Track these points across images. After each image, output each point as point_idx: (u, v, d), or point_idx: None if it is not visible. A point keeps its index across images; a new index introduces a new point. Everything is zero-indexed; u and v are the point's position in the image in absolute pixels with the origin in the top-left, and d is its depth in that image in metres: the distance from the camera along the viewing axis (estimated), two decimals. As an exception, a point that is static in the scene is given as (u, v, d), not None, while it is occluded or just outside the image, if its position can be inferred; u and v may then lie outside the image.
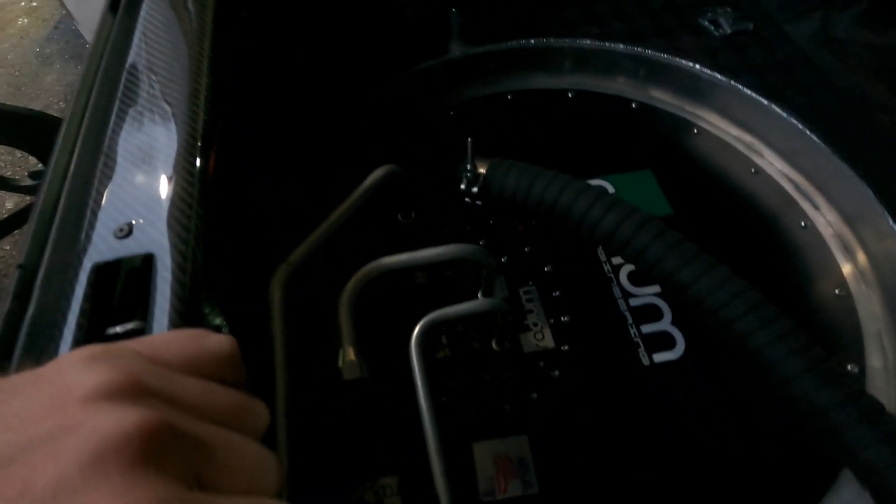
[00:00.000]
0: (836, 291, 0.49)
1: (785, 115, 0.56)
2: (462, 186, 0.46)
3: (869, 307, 0.48)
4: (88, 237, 0.22)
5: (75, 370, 0.15)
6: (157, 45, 0.29)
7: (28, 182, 0.50)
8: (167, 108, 0.26)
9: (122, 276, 0.21)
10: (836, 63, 0.60)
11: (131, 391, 0.15)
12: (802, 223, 0.54)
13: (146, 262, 0.21)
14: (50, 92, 1.76)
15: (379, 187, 0.38)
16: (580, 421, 0.43)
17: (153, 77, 0.28)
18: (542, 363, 0.46)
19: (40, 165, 0.50)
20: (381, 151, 0.57)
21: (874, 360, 0.46)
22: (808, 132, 0.55)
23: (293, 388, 0.29)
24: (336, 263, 0.41)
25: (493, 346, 0.42)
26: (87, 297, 0.21)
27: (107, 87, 0.28)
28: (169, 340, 0.18)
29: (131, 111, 0.26)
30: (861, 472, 0.32)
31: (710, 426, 0.42)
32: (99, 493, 0.12)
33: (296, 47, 0.54)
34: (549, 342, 0.46)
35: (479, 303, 0.33)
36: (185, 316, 0.20)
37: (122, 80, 0.28)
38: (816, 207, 0.55)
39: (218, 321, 0.24)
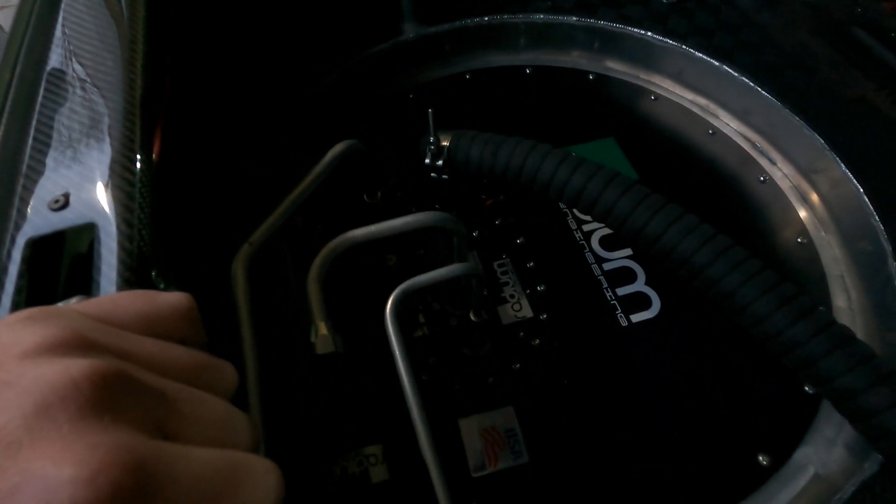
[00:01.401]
0: (798, 240, 0.51)
1: (736, 75, 0.58)
2: (426, 161, 0.45)
3: (830, 252, 0.50)
4: (21, 212, 0.20)
5: (11, 330, 0.13)
6: (85, 16, 0.27)
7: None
8: (101, 76, 0.24)
9: (63, 250, 0.20)
10: (778, 22, 0.62)
11: (76, 344, 0.13)
12: (761, 178, 0.55)
13: (87, 233, 0.20)
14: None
15: (340, 163, 0.37)
16: (564, 386, 0.43)
17: (84, 41, 0.26)
18: (521, 333, 0.45)
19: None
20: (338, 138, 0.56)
21: (839, 300, 0.47)
22: (759, 90, 0.57)
23: (264, 369, 0.28)
24: (302, 248, 0.39)
25: (471, 316, 0.42)
26: (23, 275, 0.19)
27: (36, 53, 0.26)
28: (117, 299, 0.16)
29: (64, 79, 0.24)
30: (836, 400, 0.32)
31: (691, 380, 0.43)
32: (47, 445, 0.11)
33: (239, 29, 0.52)
34: (527, 312, 0.46)
35: (453, 268, 0.32)
36: (135, 284, 0.19)
37: (51, 46, 0.26)
38: (773, 162, 0.57)
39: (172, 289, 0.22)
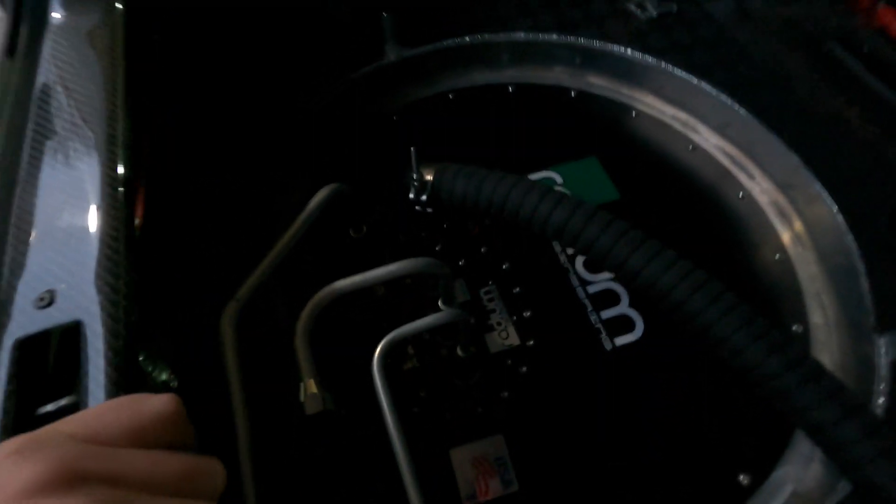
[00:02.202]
0: (776, 256, 0.52)
1: (714, 91, 0.59)
2: (411, 195, 0.46)
3: (807, 268, 0.51)
4: (6, 310, 0.21)
5: (4, 469, 0.14)
6: (64, 91, 0.27)
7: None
8: (81, 160, 0.24)
9: (49, 349, 0.20)
10: (754, 37, 0.63)
11: (69, 481, 0.14)
12: (740, 194, 0.56)
13: (73, 332, 0.20)
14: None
15: (325, 208, 0.37)
16: (552, 413, 0.44)
17: (63, 126, 0.26)
18: (509, 361, 0.46)
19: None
20: (323, 167, 0.56)
21: (816, 317, 0.49)
22: (736, 106, 0.58)
23: (256, 428, 0.28)
24: (289, 288, 0.40)
25: (459, 352, 0.42)
26: (13, 377, 0.19)
27: (11, 142, 0.26)
28: (103, 413, 0.17)
29: (43, 168, 0.24)
30: (811, 431, 0.34)
31: (674, 402, 0.44)
32: None
33: (221, 67, 0.52)
34: (514, 339, 0.47)
35: (437, 316, 0.33)
36: (122, 384, 0.19)
37: (28, 134, 0.26)
38: (751, 177, 0.58)
39: (164, 376, 0.22)
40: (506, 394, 0.45)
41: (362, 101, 0.62)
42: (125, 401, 0.17)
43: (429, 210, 0.47)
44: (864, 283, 0.46)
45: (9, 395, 0.19)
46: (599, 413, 0.44)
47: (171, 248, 0.29)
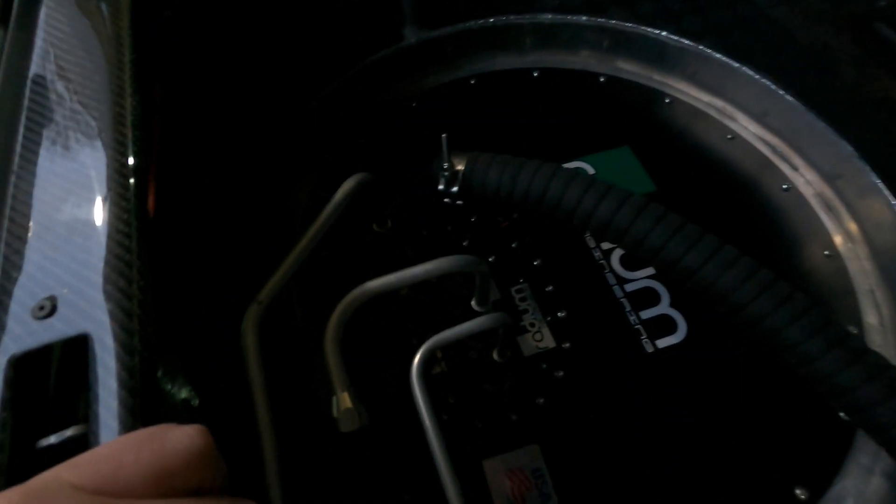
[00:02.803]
0: (825, 252, 0.49)
1: (756, 76, 0.55)
2: (440, 187, 0.43)
3: (858, 265, 0.48)
4: (0, 321, 0.17)
5: None
6: (64, 65, 0.24)
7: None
8: (85, 144, 0.21)
9: (50, 368, 0.17)
10: (795, 18, 0.59)
11: None
12: (784, 186, 0.53)
13: (79, 346, 0.17)
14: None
15: (351, 199, 0.34)
16: (591, 421, 0.41)
17: (63, 105, 0.22)
18: (544, 365, 0.43)
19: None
20: (340, 158, 0.53)
21: (870, 317, 0.46)
22: (780, 91, 0.54)
23: (282, 440, 0.25)
24: (313, 289, 0.36)
25: (495, 357, 0.39)
26: (8, 403, 0.16)
27: (4, 124, 0.22)
28: (118, 453, 0.13)
29: (41, 154, 0.21)
30: (892, 446, 0.31)
31: (721, 409, 0.41)
32: None
33: (235, 45, 0.48)
34: (548, 342, 0.44)
35: (480, 321, 0.30)
36: (139, 410, 0.16)
37: (23, 116, 0.22)
38: (795, 168, 0.54)
39: (184, 394, 0.19)
40: (541, 400, 0.42)
41: (380, 86, 0.59)
42: (145, 436, 0.14)
43: (458, 203, 0.43)
44: (926, 281, 0.43)
45: (3, 424, 0.16)
46: (642, 421, 0.41)
47: (184, 246, 0.26)
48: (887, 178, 0.48)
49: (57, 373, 0.17)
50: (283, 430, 0.25)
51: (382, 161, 0.51)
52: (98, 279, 0.18)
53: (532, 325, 0.45)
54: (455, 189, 0.41)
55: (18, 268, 0.18)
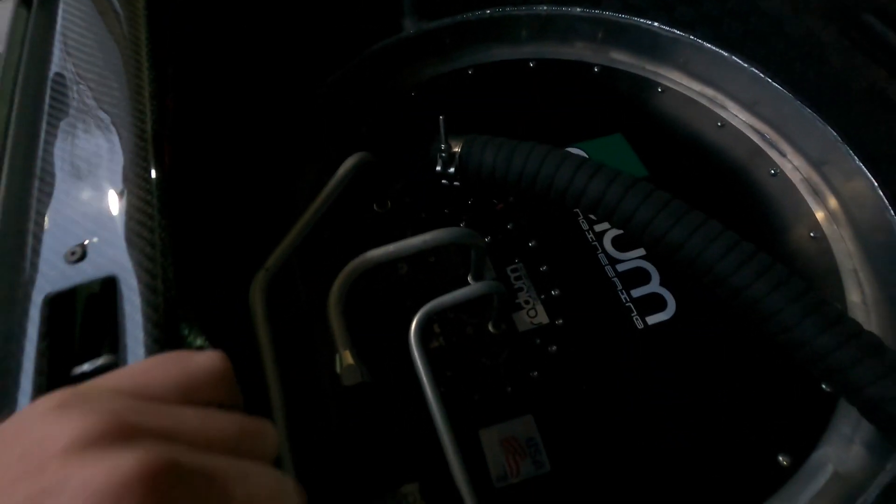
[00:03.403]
0: (811, 234, 0.50)
1: (746, 65, 0.57)
2: (438, 168, 0.44)
3: (843, 246, 0.50)
4: (35, 266, 0.19)
5: (45, 422, 0.12)
6: (86, 38, 0.25)
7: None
8: (106, 108, 0.23)
9: (81, 306, 0.18)
10: (785, 9, 0.61)
11: (118, 434, 0.12)
12: (772, 171, 0.54)
13: (108, 286, 0.18)
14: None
15: (352, 177, 0.35)
16: (583, 393, 0.43)
17: (85, 76, 0.24)
18: (538, 340, 0.45)
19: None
20: (341, 144, 0.54)
21: (853, 295, 0.47)
22: (769, 81, 0.56)
23: (290, 399, 0.27)
24: (315, 263, 0.38)
25: (490, 329, 0.41)
26: (44, 336, 0.18)
27: (31, 93, 0.24)
28: (149, 368, 0.15)
29: (64, 118, 0.23)
30: (866, 408, 0.32)
31: (709, 381, 0.43)
32: None
33: (241, 31, 0.50)
34: (542, 318, 0.46)
35: (474, 287, 0.32)
36: (163, 342, 0.18)
37: (48, 84, 0.24)
38: (783, 154, 0.56)
39: (200, 342, 0.21)
40: (535, 373, 0.43)
41: (380, 76, 0.60)
42: (172, 356, 0.16)
43: (455, 183, 0.45)
44: (907, 260, 0.45)
45: (41, 353, 0.17)
46: (632, 393, 0.43)
47: (196, 216, 0.28)
48: (871, 163, 0.49)
49: (89, 310, 0.19)
50: (288, 386, 0.27)
51: (383, 147, 0.53)
52: (123, 229, 0.20)
53: (527, 302, 0.46)
54: (452, 170, 0.43)
55: (50, 220, 0.20)
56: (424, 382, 0.28)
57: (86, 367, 0.18)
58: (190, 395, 0.15)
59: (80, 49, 0.25)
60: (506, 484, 0.39)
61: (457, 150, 0.43)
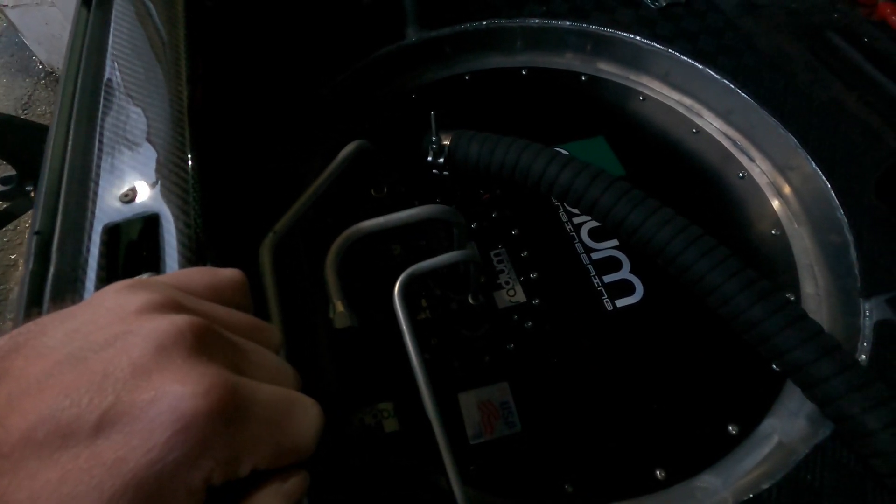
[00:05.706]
0: (773, 231, 0.55)
1: (719, 77, 0.62)
2: (429, 158, 0.49)
3: (801, 243, 0.54)
4: (95, 203, 0.24)
5: (120, 295, 0.17)
6: (135, 33, 0.31)
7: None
8: (152, 85, 0.28)
9: (132, 235, 0.24)
10: (759, 28, 0.66)
11: (172, 306, 0.17)
12: (740, 174, 0.59)
13: (153, 222, 0.24)
14: (-1, 107, 1.70)
15: (351, 161, 0.41)
16: (554, 364, 0.47)
17: (134, 62, 0.30)
18: (515, 316, 0.49)
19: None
20: (345, 138, 0.60)
21: (807, 287, 0.52)
22: (740, 92, 0.61)
23: (290, 338, 0.32)
24: (316, 238, 0.43)
25: (470, 300, 0.46)
26: (104, 255, 0.23)
27: (91, 72, 0.29)
28: (189, 273, 0.20)
29: (117, 94, 0.28)
30: (789, 371, 0.37)
31: (669, 358, 0.47)
32: (168, 373, 0.15)
33: (262, 36, 0.56)
34: (520, 297, 0.50)
35: (454, 254, 0.36)
36: (195, 262, 0.23)
37: (106, 66, 0.30)
38: (752, 159, 0.61)
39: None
40: (511, 346, 0.48)
41: (383, 79, 0.66)
42: (203, 269, 0.21)
43: (445, 173, 0.50)
44: (853, 254, 0.49)
45: (101, 267, 0.22)
46: (598, 366, 0.47)
47: (220, 181, 0.33)
48: (828, 169, 0.54)
49: (137, 238, 0.24)
50: (291, 335, 0.32)
51: (383, 142, 0.58)
52: (164, 179, 0.25)
53: (507, 282, 0.51)
54: (441, 160, 0.48)
55: (107, 170, 0.25)
56: (405, 332, 0.33)
57: (144, 277, 0.23)
58: (217, 296, 0.20)
59: (130, 41, 0.31)
60: (481, 441, 0.44)
61: (446, 142, 0.49)
